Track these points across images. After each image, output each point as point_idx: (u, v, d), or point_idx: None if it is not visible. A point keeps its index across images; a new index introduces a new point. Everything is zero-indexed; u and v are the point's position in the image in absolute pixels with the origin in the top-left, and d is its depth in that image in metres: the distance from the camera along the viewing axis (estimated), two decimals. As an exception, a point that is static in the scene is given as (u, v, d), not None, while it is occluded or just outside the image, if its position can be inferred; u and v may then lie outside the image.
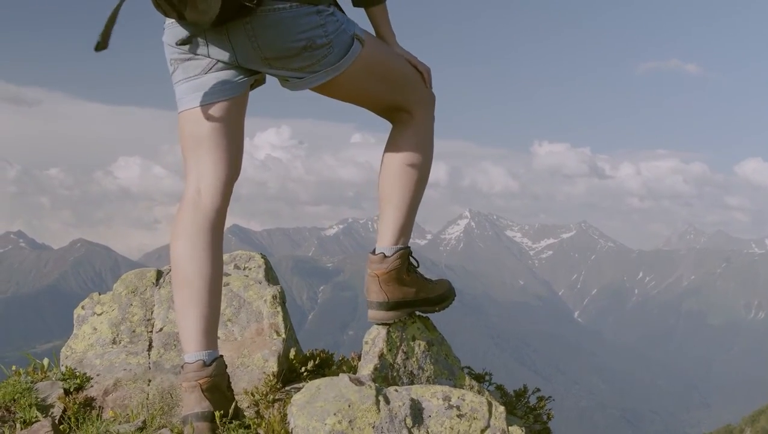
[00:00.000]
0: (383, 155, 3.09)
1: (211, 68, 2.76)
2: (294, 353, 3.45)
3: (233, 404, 2.77)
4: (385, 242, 3.06)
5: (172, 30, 2.76)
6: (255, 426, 2.72)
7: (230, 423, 2.70)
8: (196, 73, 2.77)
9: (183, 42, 2.70)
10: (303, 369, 3.38)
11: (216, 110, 2.78)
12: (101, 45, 2.63)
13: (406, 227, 3.07)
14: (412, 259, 3.12)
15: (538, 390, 3.64)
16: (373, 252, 3.08)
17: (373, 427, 2.53)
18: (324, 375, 3.36)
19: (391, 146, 3.07)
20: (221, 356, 2.82)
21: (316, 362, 3.42)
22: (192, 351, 2.75)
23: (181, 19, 2.65)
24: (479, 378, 3.49)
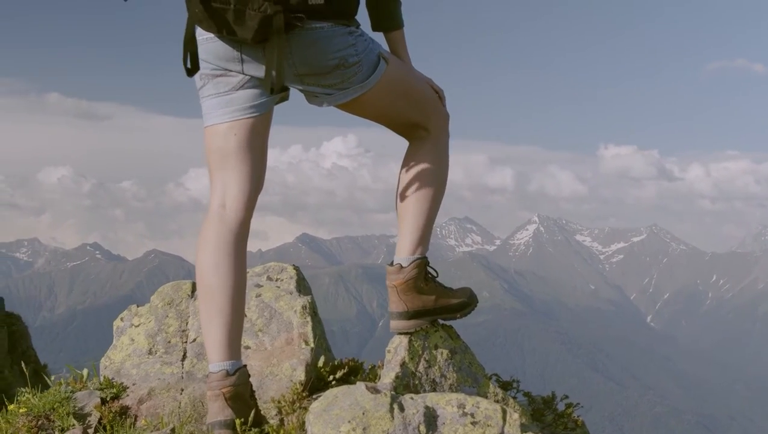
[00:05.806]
0: (400, 170, 3.18)
1: (242, 85, 2.86)
2: (323, 361, 3.52)
3: (253, 411, 2.85)
4: (403, 253, 3.14)
5: (207, 45, 2.84)
6: (273, 433, 2.79)
7: (250, 430, 2.79)
8: (226, 90, 2.87)
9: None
10: (331, 377, 3.45)
11: (244, 126, 2.88)
12: (193, 70, 2.78)
13: (423, 239, 3.15)
14: (430, 269, 3.18)
15: (567, 397, 3.64)
16: (391, 264, 3.15)
17: (387, 434, 2.58)
18: (352, 383, 3.43)
19: (409, 161, 3.16)
20: (245, 366, 2.91)
21: (345, 370, 3.49)
22: (216, 361, 2.84)
23: (231, 35, 2.71)
24: (506, 386, 3.51)
